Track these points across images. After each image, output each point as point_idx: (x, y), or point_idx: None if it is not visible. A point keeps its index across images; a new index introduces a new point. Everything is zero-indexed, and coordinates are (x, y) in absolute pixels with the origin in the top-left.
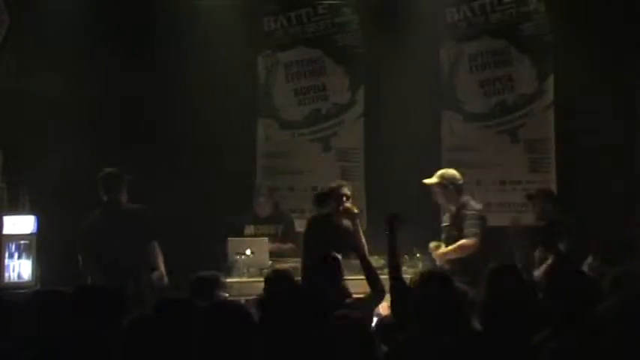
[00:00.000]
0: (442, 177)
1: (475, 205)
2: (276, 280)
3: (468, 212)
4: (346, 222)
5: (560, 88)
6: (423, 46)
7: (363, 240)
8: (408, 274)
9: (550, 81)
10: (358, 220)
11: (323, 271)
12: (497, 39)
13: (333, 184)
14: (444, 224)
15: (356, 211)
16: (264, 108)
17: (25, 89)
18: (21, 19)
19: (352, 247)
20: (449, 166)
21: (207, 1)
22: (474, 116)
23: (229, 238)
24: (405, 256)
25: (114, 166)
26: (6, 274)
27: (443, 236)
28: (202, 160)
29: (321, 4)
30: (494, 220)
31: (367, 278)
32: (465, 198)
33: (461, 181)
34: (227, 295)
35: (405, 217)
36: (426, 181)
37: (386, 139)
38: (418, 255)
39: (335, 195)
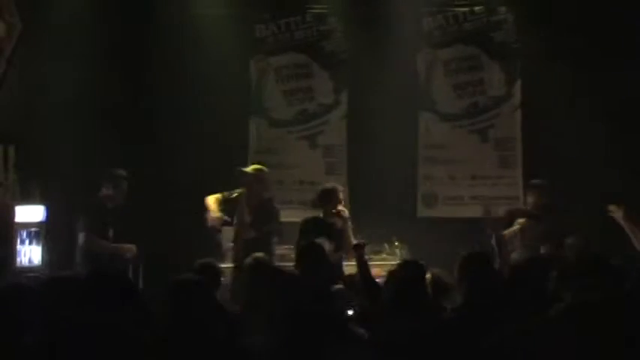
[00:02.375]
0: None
1: None
2: (256, 267)
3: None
4: (338, 222)
5: (526, 92)
6: (402, 52)
7: (352, 239)
8: (388, 261)
9: (517, 85)
10: (349, 223)
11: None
12: (470, 46)
13: (330, 186)
14: None
15: (347, 214)
16: (255, 108)
17: (36, 90)
18: (33, 21)
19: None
20: (425, 163)
21: (204, 10)
22: (448, 117)
23: (223, 227)
24: (385, 244)
25: (118, 160)
26: (18, 259)
27: None
28: (199, 155)
29: (309, 13)
30: (467, 212)
31: None
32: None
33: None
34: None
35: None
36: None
37: (368, 137)
38: (397, 243)
39: (333, 197)
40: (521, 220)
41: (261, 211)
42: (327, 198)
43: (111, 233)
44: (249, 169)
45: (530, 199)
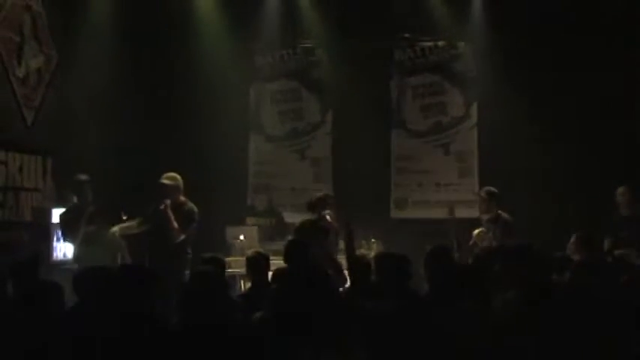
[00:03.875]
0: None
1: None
2: (255, 259)
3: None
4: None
5: (481, 113)
6: (377, 79)
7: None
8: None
9: (474, 107)
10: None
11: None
12: (434, 74)
13: (321, 194)
14: None
15: (330, 220)
16: (254, 126)
17: (70, 111)
18: (66, 52)
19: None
20: (397, 172)
21: (212, 44)
22: (416, 134)
23: (227, 227)
24: (363, 241)
25: (139, 168)
26: (54, 254)
27: None
28: (209, 165)
29: (299, 46)
30: (433, 213)
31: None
32: (183, 199)
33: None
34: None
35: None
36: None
37: (348, 150)
38: (373, 240)
39: (322, 204)
40: (476, 232)
41: (182, 215)
42: (320, 203)
43: (85, 229)
44: (166, 180)
45: (482, 206)
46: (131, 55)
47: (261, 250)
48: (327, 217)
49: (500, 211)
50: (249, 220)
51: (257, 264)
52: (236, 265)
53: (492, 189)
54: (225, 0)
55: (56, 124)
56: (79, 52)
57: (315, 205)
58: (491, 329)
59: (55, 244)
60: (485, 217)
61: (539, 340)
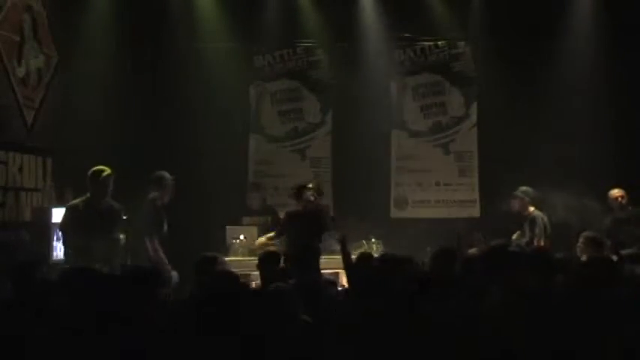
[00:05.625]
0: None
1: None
2: (267, 258)
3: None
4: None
5: (481, 113)
6: (377, 79)
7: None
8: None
9: (474, 107)
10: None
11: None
12: (434, 74)
13: (302, 183)
14: None
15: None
16: (254, 126)
17: (69, 111)
18: (67, 53)
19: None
20: (397, 172)
21: (211, 44)
22: (416, 133)
23: (227, 227)
24: (364, 241)
25: (140, 168)
26: (54, 253)
27: None
28: (209, 165)
29: (299, 46)
30: (432, 213)
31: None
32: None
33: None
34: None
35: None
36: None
37: (349, 150)
38: (373, 240)
39: (302, 191)
40: (515, 235)
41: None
42: (300, 192)
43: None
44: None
45: (516, 205)
46: (131, 55)
47: (273, 248)
48: (311, 197)
49: (532, 210)
50: (245, 219)
51: (268, 261)
52: (235, 266)
53: (526, 188)
54: (225, 0)
55: (56, 124)
56: (79, 52)
57: (297, 195)
58: (489, 329)
59: (55, 244)
60: (520, 215)
61: (541, 341)
